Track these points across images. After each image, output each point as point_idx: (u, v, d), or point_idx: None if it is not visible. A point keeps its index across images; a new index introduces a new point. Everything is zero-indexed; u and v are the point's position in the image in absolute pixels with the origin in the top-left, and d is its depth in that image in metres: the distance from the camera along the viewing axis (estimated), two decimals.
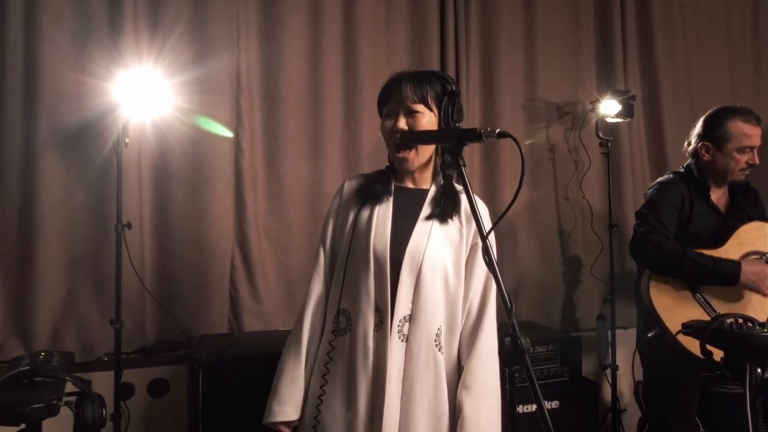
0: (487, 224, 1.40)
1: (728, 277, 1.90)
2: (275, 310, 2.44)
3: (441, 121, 1.38)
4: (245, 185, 2.44)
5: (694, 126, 2.11)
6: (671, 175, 2.14)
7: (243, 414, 1.89)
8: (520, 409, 2.19)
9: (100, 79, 2.19)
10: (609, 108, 2.69)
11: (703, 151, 2.04)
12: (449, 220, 1.41)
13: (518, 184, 1.10)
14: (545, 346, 2.33)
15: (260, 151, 2.49)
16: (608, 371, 2.71)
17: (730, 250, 1.96)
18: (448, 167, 1.44)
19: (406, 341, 1.35)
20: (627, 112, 2.69)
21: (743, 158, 1.97)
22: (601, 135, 2.77)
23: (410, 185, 1.46)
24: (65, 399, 1.23)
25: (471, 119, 2.77)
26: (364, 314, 1.35)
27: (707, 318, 1.94)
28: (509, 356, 1.06)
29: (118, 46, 2.27)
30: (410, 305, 1.36)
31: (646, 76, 3.07)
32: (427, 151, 1.41)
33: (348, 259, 1.40)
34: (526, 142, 2.85)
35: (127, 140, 2.11)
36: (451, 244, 1.41)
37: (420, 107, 1.37)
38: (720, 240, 1.98)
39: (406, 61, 2.67)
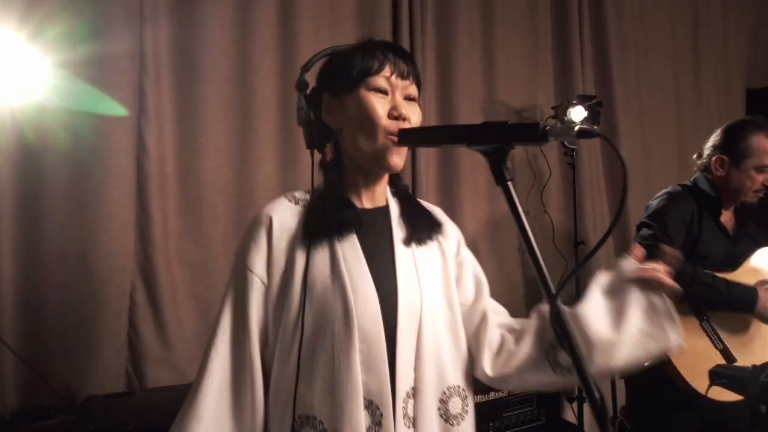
0: (453, 232, 1.09)
1: (743, 304, 1.70)
2: (191, 356, 1.88)
3: None
4: (150, 195, 1.87)
5: (709, 137, 1.88)
6: (679, 188, 1.89)
7: None
8: None
9: None
10: (575, 114, 2.45)
11: (717, 165, 1.81)
12: (431, 241, 1.03)
13: (620, 204, 0.74)
14: None
15: (171, 152, 1.94)
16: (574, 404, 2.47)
17: (743, 275, 1.77)
18: (399, 176, 1.08)
19: (413, 425, 0.95)
20: (593, 119, 2.47)
21: (760, 178, 1.77)
22: (566, 143, 2.52)
23: (368, 204, 1.02)
24: None
25: (427, 120, 2.40)
26: (351, 420, 0.90)
27: (713, 349, 1.73)
28: None
29: None
30: (412, 374, 0.96)
31: (601, 83, 2.91)
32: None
33: (304, 337, 0.92)
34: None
35: None
36: (437, 270, 1.03)
37: (416, 94, 1.00)
38: (732, 264, 1.79)
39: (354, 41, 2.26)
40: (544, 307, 0.99)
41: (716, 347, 1.74)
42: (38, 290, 1.74)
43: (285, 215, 0.99)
